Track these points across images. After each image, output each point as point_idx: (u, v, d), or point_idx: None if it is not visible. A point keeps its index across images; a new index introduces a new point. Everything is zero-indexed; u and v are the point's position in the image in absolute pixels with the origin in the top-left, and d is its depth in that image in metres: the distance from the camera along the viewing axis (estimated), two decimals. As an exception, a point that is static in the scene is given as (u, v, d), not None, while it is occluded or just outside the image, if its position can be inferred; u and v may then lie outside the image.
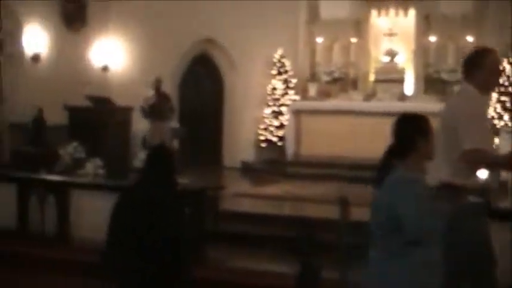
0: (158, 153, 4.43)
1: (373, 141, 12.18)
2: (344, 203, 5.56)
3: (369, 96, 13.04)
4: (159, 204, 4.10)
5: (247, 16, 13.61)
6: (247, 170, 13.33)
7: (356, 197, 6.48)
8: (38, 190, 7.79)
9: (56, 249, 7.30)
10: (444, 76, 12.49)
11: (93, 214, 7.24)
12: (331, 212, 7.75)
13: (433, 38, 12.71)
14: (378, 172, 3.45)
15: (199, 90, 14.88)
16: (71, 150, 8.52)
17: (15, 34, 12.73)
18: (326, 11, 13.50)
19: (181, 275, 4.15)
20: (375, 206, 3.41)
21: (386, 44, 13.23)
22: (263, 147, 13.74)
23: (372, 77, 13.35)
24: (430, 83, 12.82)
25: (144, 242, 3.98)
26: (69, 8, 13.85)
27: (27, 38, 12.94)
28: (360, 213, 5.87)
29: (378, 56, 13.34)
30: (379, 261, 3.35)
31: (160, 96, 10.85)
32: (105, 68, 14.88)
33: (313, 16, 13.81)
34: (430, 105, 11.80)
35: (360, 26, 13.39)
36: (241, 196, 9.66)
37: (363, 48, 13.35)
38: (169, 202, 4.18)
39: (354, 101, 12.98)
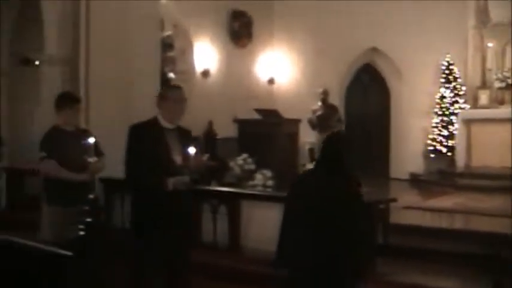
0: (332, 139, 4.02)
1: (551, 151, 11.41)
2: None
3: (547, 103, 12.27)
4: (332, 194, 3.77)
5: (411, 23, 13.39)
6: (416, 181, 12.97)
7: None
8: (210, 201, 8.02)
9: (227, 258, 7.46)
10: None
11: (263, 225, 7.33)
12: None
13: None
14: None
15: (365, 100, 14.81)
16: (240, 162, 8.71)
17: (186, 51, 13.36)
18: (496, 14, 12.99)
19: (356, 270, 3.86)
20: None
21: None
22: (432, 158, 13.31)
23: (550, 81, 12.53)
24: None
25: (317, 233, 3.75)
26: (236, 25, 14.37)
27: (198, 55, 13.51)
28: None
29: (558, 57, 12.49)
30: None
31: (327, 107, 10.84)
32: (271, 81, 15.19)
33: (483, 20, 13.24)
34: None
35: (535, 26, 12.63)
36: (411, 208, 9.39)
37: (540, 50, 12.58)
38: (343, 192, 3.80)
39: (530, 108, 12.25)
